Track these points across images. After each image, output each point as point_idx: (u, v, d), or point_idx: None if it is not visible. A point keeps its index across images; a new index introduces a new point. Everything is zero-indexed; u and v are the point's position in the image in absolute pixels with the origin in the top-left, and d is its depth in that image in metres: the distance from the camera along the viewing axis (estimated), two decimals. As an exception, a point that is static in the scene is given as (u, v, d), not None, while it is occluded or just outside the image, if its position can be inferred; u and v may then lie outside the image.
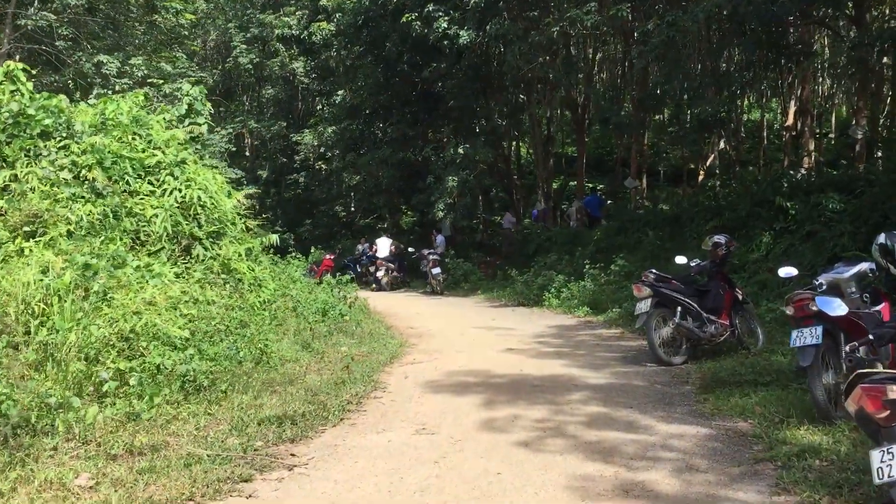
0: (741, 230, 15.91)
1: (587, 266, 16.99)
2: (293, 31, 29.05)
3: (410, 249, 24.16)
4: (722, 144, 29.18)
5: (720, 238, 10.57)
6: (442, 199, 22.20)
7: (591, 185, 27.63)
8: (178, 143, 14.36)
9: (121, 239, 11.52)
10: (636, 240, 19.13)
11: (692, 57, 18.34)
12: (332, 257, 26.15)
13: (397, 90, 25.70)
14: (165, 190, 12.84)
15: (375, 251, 24.26)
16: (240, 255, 13.53)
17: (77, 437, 6.01)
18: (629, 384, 8.63)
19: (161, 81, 18.60)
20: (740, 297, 10.55)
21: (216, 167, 14.87)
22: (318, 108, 32.78)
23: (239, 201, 15.32)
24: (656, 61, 17.99)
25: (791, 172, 17.39)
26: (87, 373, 7.37)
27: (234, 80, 38.80)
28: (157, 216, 12.26)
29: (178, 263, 12.21)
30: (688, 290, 10.26)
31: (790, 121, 27.16)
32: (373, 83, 25.73)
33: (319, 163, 32.17)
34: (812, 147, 23.32)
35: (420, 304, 18.94)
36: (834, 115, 36.64)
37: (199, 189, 13.25)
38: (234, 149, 36.94)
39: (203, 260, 12.61)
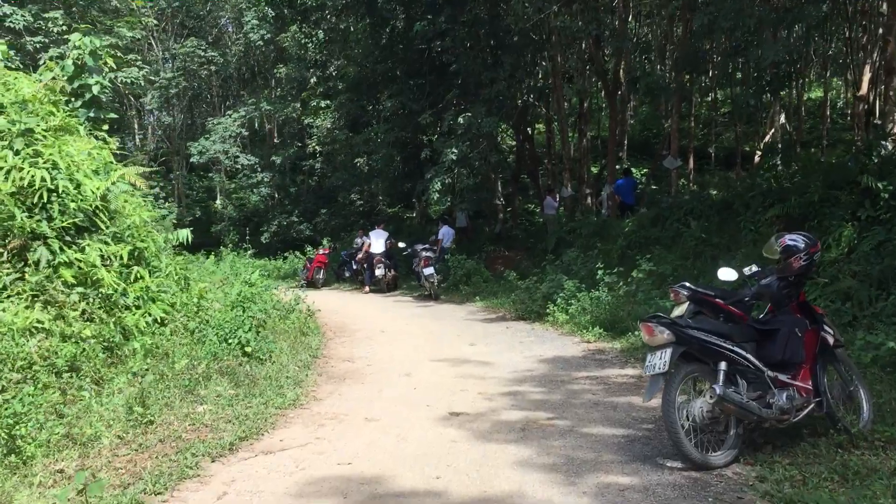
0: (812, 220, 11.52)
1: (600, 271, 12.38)
2: (280, -8, 24.64)
3: (402, 245, 19.70)
4: (782, 119, 24.14)
5: (795, 240, 5.92)
6: (438, 177, 17.61)
7: (623, 168, 22.67)
8: (45, 105, 10.37)
9: None
10: (675, 232, 14.51)
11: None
12: (325, 252, 21.99)
13: (401, 58, 21.17)
14: (1, 169, 8.88)
15: (368, 246, 19.68)
16: (120, 258, 9.42)
17: None
18: (620, 536, 4.15)
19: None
20: (831, 340, 5.94)
21: (102, 138, 10.66)
22: (311, 80, 28.36)
23: (133, 185, 11.22)
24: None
25: (882, 143, 12.49)
26: None
27: (250, 60, 34.87)
28: (-26, 205, 8.34)
29: (0, 272, 8.26)
30: (739, 330, 5.72)
31: (863, 90, 21.95)
32: (372, 50, 21.22)
33: (314, 145, 27.74)
34: (897, 115, 18.17)
35: (397, 315, 14.56)
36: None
37: (50, 167, 9.20)
38: (246, 133, 33.02)
39: (46, 267, 8.51)
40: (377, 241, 19.41)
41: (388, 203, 31.79)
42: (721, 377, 5.34)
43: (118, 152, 11.78)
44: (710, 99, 31.24)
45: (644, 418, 6.53)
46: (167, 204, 32.87)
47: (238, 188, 35.85)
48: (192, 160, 32.93)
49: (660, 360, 5.34)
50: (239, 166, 32.32)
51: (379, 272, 19.19)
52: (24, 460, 5.45)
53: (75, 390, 7.20)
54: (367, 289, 19.54)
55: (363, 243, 20.06)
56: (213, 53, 32.54)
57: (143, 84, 18.81)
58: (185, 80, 33.20)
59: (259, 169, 32.64)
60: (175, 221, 28.53)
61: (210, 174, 36.59)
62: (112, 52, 13.77)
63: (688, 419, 5.33)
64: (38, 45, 15.43)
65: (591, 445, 5.83)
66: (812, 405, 5.60)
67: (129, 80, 18.38)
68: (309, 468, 5.45)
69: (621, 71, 19.17)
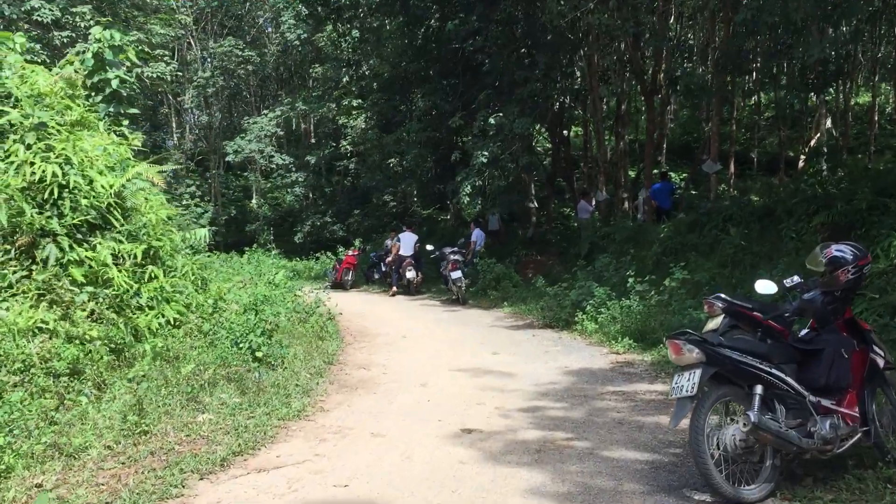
0: (859, 229, 10.82)
1: (631, 279, 11.77)
2: (315, -10, 24.22)
3: (429, 247, 19.23)
4: (828, 123, 23.22)
5: (843, 251, 5.33)
6: (468, 180, 17.08)
7: (660, 172, 21.96)
8: (61, 99, 10.13)
9: None
10: (713, 238, 13.81)
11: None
12: (354, 254, 21.63)
13: (434, 58, 20.71)
14: (13, 163, 8.64)
15: (397, 248, 19.31)
16: (134, 257, 9.13)
17: None
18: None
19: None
20: (881, 362, 5.35)
21: (121, 134, 10.40)
22: (344, 79, 28.03)
23: (153, 183, 10.96)
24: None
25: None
26: None
27: (287, 59, 34.71)
28: (-18, 200, 8.15)
29: (7, 270, 8.01)
30: (778, 349, 5.16)
31: (916, 94, 21.01)
32: (405, 49, 20.77)
33: (346, 145, 27.36)
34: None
35: (421, 320, 14.10)
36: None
37: (62, 162, 8.97)
38: (281, 132, 32.84)
39: (55, 265, 8.24)
40: (407, 244, 19.07)
41: (423, 205, 31.37)
42: (756, 402, 4.79)
43: (143, 149, 11.53)
44: (752, 102, 30.36)
45: (671, 441, 5.99)
46: (203, 203, 32.91)
47: (273, 188, 35.79)
48: (227, 159, 32.87)
49: (688, 382, 4.81)
50: (274, 166, 32.18)
51: (410, 275, 18.84)
52: (0, 472, 5.10)
53: (74, 395, 6.89)
54: (394, 289, 19.16)
55: (393, 245, 19.74)
56: (250, 53, 32.42)
57: (169, 79, 18.70)
58: (223, 80, 33.14)
59: (294, 169, 32.44)
60: (208, 220, 28.47)
61: (245, 173, 36.59)
62: (139, 47, 13.53)
63: (718, 448, 4.79)
64: (65, 40, 15.26)
65: (612, 472, 5.31)
66: (859, 434, 5.02)
67: (156, 75, 18.22)
68: (301, 490, 5.01)
69: (661, 74, 18.48)
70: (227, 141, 32.65)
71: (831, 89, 23.29)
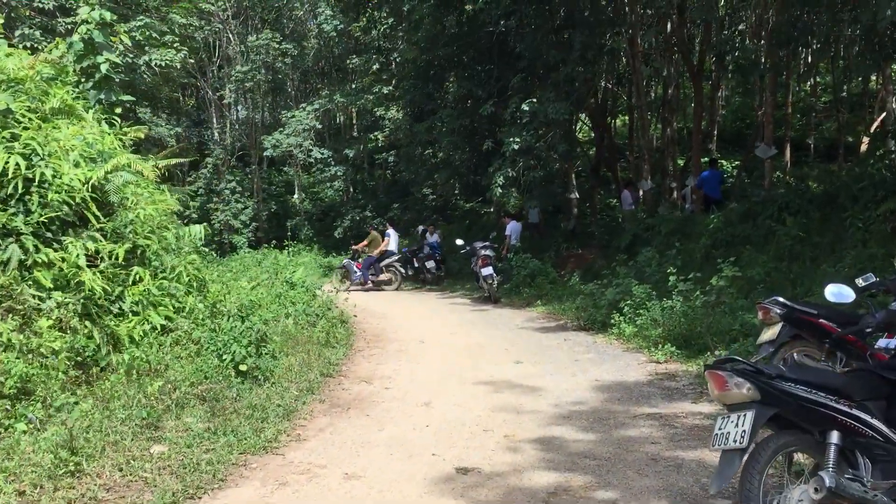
0: (937, 219, 9.20)
1: (672, 277, 10.26)
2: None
3: (459, 242, 17.89)
4: (894, 103, 21.23)
5: (947, 246, 3.93)
6: (501, 170, 15.77)
7: (709, 159, 20.30)
8: (38, 84, 9.18)
9: None
10: (768, 229, 12.29)
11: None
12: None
13: (467, 43, 19.40)
14: (-29, 155, 7.66)
15: (386, 243, 19.20)
16: (115, 257, 8.12)
17: None
18: None
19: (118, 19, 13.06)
20: None
21: (110, 122, 9.41)
22: (374, 67, 26.85)
23: (155, 178, 9.97)
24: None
25: None
26: None
27: (326, 52, 33.68)
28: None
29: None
30: (859, 381, 3.81)
31: None
32: (437, 34, 19.46)
33: (380, 136, 26.30)
34: None
35: (445, 321, 12.79)
36: None
37: (29, 153, 8.02)
38: (320, 126, 31.91)
39: (16, 268, 7.25)
40: (395, 241, 19.30)
41: (465, 198, 30.11)
42: (832, 456, 3.45)
43: (149, 139, 10.50)
44: (808, 86, 28.42)
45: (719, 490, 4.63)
46: (244, 198, 32.17)
47: (315, 182, 34.98)
48: (265, 154, 32.08)
49: (737, 429, 3.49)
50: (312, 160, 31.26)
51: (405, 270, 19.38)
52: None
53: (15, 421, 5.86)
54: (398, 276, 19.21)
55: (383, 241, 19.18)
56: (287, 45, 31.49)
57: (178, 66, 17.96)
58: (262, 74, 32.29)
59: (332, 163, 31.46)
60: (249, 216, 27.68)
61: (286, 168, 35.88)
62: (146, 33, 12.58)
63: (780, 515, 3.47)
64: (69, 27, 14.38)
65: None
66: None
67: (164, 63, 17.33)
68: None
69: (712, 57, 16.78)
70: (267, 136, 31.84)
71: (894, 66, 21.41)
